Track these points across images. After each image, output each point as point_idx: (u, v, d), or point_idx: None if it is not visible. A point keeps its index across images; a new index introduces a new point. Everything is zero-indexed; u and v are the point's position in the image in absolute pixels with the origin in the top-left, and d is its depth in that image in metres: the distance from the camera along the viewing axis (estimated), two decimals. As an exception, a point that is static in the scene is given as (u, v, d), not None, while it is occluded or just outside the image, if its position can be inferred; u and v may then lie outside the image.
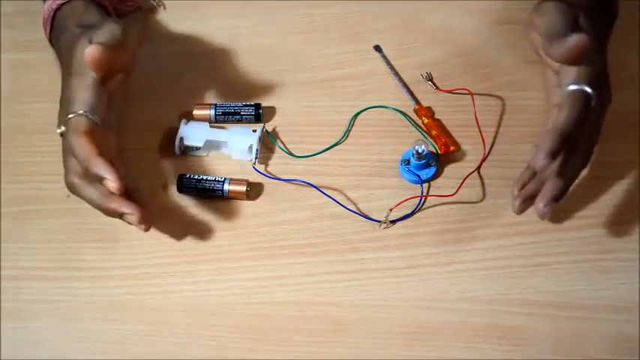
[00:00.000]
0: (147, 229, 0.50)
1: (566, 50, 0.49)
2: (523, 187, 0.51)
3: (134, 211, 0.49)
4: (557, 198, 0.49)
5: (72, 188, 0.51)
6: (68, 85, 0.51)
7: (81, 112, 0.49)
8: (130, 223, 0.50)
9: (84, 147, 0.48)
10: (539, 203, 0.49)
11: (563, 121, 0.48)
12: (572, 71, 0.50)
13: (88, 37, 0.51)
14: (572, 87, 0.49)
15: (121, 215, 0.50)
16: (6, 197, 0.57)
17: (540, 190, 0.50)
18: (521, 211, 0.51)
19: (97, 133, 0.49)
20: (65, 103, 0.51)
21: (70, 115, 0.49)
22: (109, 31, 0.51)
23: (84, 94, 0.50)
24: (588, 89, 0.49)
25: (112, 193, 0.48)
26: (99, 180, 0.48)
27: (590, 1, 0.53)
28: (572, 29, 0.49)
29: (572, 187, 0.51)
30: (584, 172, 0.55)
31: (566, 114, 0.48)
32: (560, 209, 0.54)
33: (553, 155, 0.47)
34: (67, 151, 0.50)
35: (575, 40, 0.48)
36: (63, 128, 0.50)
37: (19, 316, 0.53)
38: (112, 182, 0.47)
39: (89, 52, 0.48)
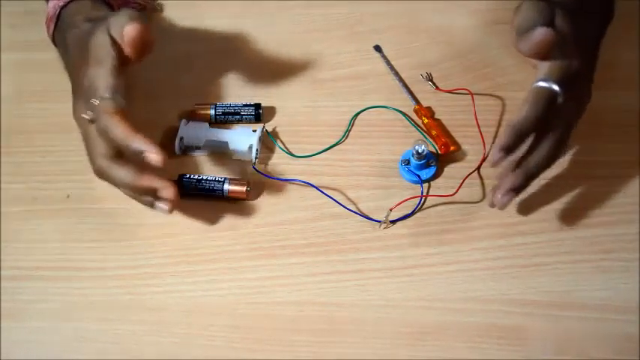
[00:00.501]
0: (171, 210, 0.51)
1: (531, 44, 0.49)
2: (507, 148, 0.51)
3: (167, 185, 0.50)
4: (515, 189, 0.50)
5: (101, 173, 0.51)
6: (87, 75, 0.51)
7: (107, 95, 0.49)
8: (159, 204, 0.51)
9: (119, 126, 0.48)
10: (498, 193, 0.50)
11: (521, 117, 0.48)
12: (543, 67, 0.50)
13: (105, 26, 0.51)
14: (539, 83, 0.49)
15: (154, 192, 0.50)
16: (6, 197, 0.57)
17: (527, 181, 0.50)
18: (490, 202, 0.52)
19: (127, 114, 0.49)
20: (86, 93, 0.51)
21: (98, 100, 0.49)
22: (127, 15, 0.51)
23: (107, 79, 0.50)
24: (555, 86, 0.49)
25: (142, 172, 0.49)
26: (137, 156, 0.48)
27: (575, 1, 0.53)
28: (543, 25, 0.49)
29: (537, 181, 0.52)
30: (586, 172, 0.55)
31: (525, 110, 0.48)
32: (560, 209, 0.55)
33: (507, 150, 0.48)
34: (95, 136, 0.50)
35: (539, 33, 0.48)
36: (91, 114, 0.50)
37: (19, 316, 0.53)
38: (154, 154, 0.47)
39: (129, 30, 0.49)
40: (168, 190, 0.50)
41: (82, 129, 0.52)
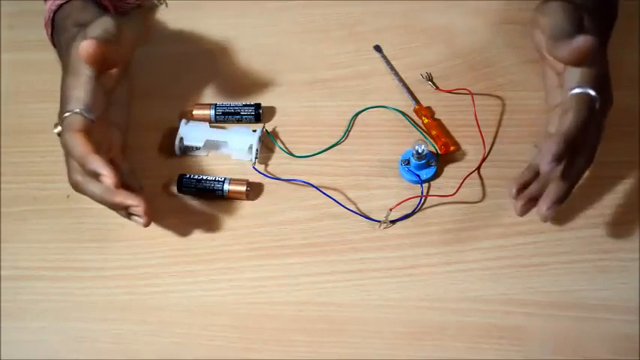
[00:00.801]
0: (147, 224, 0.50)
1: (572, 51, 0.48)
2: (523, 187, 0.51)
3: (139, 203, 0.49)
4: (560, 201, 0.49)
5: (75, 186, 0.51)
6: (65, 84, 0.51)
7: (76, 110, 0.49)
8: (128, 216, 0.51)
9: (78, 145, 0.48)
10: (543, 206, 0.49)
11: (569, 125, 0.47)
12: (576, 73, 0.49)
13: (83, 34, 0.51)
14: (577, 90, 0.48)
15: (126, 209, 0.50)
16: (6, 197, 0.57)
17: (543, 192, 0.50)
18: (523, 212, 0.51)
19: (94, 130, 0.49)
20: (62, 103, 0.51)
21: (66, 114, 0.49)
22: (101, 25, 0.51)
23: (79, 92, 0.50)
24: (592, 92, 0.48)
25: (116, 188, 0.49)
26: (96, 177, 0.48)
27: (594, 1, 0.53)
28: (577, 30, 0.49)
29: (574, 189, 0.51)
30: (588, 172, 0.55)
31: (571, 118, 0.48)
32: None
33: (559, 159, 0.46)
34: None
35: (582, 41, 0.47)
36: (59, 128, 0.50)
37: (19, 316, 0.53)
38: (107, 178, 0.47)
39: (83, 46, 0.48)
40: (139, 209, 0.50)
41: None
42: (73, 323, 0.52)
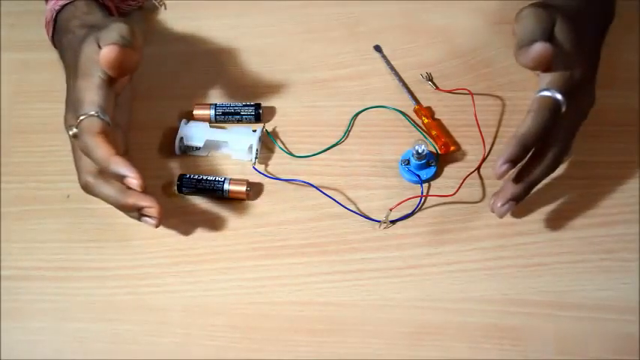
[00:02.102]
0: (158, 225, 0.51)
1: (529, 59, 0.48)
2: (513, 159, 0.50)
3: (153, 204, 0.49)
4: (515, 199, 0.50)
5: (87, 188, 0.51)
6: (75, 87, 0.50)
7: (92, 112, 0.49)
8: (145, 218, 0.51)
9: (100, 147, 0.48)
10: (497, 202, 0.51)
11: (527, 129, 0.48)
12: (545, 76, 0.49)
13: (95, 37, 0.51)
14: (542, 93, 0.49)
15: (139, 210, 0.50)
16: (6, 197, 0.57)
17: (528, 192, 0.50)
18: (501, 175, 0.50)
19: (110, 133, 0.49)
20: (73, 105, 0.50)
21: (82, 117, 0.49)
22: (117, 30, 0.50)
23: (93, 95, 0.49)
24: (558, 95, 0.48)
25: (129, 189, 0.49)
26: (118, 178, 0.48)
27: (578, 4, 0.52)
28: (543, 37, 0.49)
29: (536, 189, 0.52)
30: (586, 172, 0.55)
31: (530, 121, 0.48)
32: (560, 209, 0.55)
33: (513, 162, 0.47)
34: (80, 152, 0.50)
35: (537, 49, 0.47)
36: (75, 130, 0.49)
37: (19, 316, 0.53)
38: (134, 179, 0.47)
39: (105, 53, 0.48)
40: (153, 210, 0.50)
41: (71, 141, 0.52)
42: (73, 323, 0.52)
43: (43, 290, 0.53)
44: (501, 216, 0.51)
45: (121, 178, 0.48)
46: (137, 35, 0.52)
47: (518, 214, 0.54)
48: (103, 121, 0.49)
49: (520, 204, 0.51)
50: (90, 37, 0.51)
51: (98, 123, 0.48)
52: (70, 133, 0.50)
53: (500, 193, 0.51)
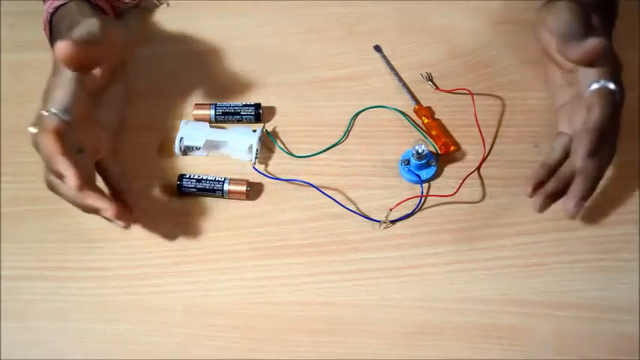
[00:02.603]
0: (126, 227, 0.50)
1: (583, 53, 0.48)
2: (539, 185, 0.51)
3: (109, 207, 0.49)
4: (587, 196, 0.49)
5: (50, 187, 0.51)
6: (47, 85, 0.51)
7: (53, 110, 0.48)
8: (108, 219, 0.50)
9: (47, 145, 0.47)
10: (570, 203, 0.49)
11: (597, 119, 0.47)
12: (592, 70, 0.49)
13: (70, 35, 0.51)
14: (596, 85, 0.49)
15: (97, 212, 0.50)
16: (6, 197, 0.57)
17: (562, 188, 0.50)
18: (542, 209, 0.50)
19: (71, 132, 0.49)
20: (42, 103, 0.50)
21: (42, 114, 0.49)
22: (85, 26, 0.51)
23: (57, 93, 0.49)
24: (612, 85, 0.49)
25: (88, 190, 0.48)
26: (60, 177, 0.47)
27: (595, 1, 0.53)
28: (586, 30, 0.49)
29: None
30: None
31: (598, 112, 0.48)
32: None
33: (594, 153, 0.47)
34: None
35: (592, 43, 0.48)
36: (34, 128, 0.49)
37: (19, 316, 0.53)
38: (70, 179, 0.46)
39: (58, 47, 0.48)
40: (109, 212, 0.49)
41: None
42: (73, 323, 0.52)
43: (43, 290, 0.53)
44: (574, 216, 0.49)
45: (61, 178, 0.47)
46: (111, 31, 0.52)
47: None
48: (61, 119, 0.48)
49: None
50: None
51: (54, 121, 0.48)
52: (30, 129, 0.49)
53: (570, 193, 0.49)
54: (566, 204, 0.49)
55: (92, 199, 0.49)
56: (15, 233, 0.56)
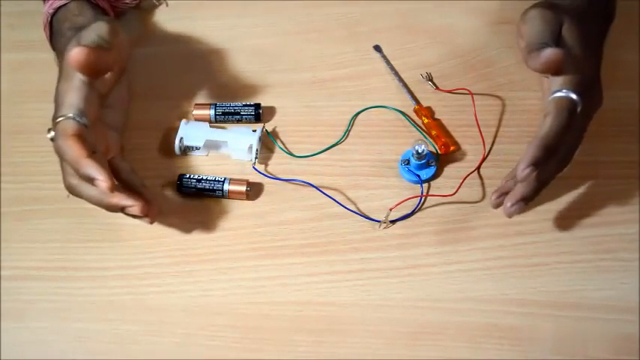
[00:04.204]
0: (151, 222, 0.51)
1: (540, 64, 0.48)
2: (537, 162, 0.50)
3: (135, 203, 0.49)
4: (526, 199, 0.50)
5: (71, 190, 0.51)
6: (58, 89, 0.51)
7: (69, 115, 0.48)
8: (134, 216, 0.51)
9: (72, 150, 0.47)
10: (507, 202, 0.50)
11: (548, 131, 0.48)
12: (557, 78, 0.49)
13: (77, 39, 0.51)
14: (557, 94, 0.49)
15: (123, 209, 0.50)
16: (6, 197, 0.57)
17: (538, 193, 0.50)
18: (496, 206, 0.52)
19: (89, 134, 0.49)
20: (55, 108, 0.51)
21: (59, 119, 0.49)
22: (95, 30, 0.51)
23: (71, 97, 0.49)
24: (573, 95, 0.48)
25: (111, 191, 0.49)
26: (89, 181, 0.48)
27: (580, 4, 0.53)
28: (552, 40, 0.49)
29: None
30: (586, 172, 0.55)
31: (550, 122, 0.48)
32: (560, 209, 0.55)
33: (536, 165, 0.47)
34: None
35: (548, 54, 0.47)
36: (52, 133, 0.49)
37: (19, 316, 0.53)
38: (102, 182, 0.47)
39: (72, 55, 0.48)
40: (135, 209, 0.49)
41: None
42: (73, 323, 0.52)
43: (43, 290, 0.53)
44: (511, 216, 0.50)
45: (90, 181, 0.48)
46: (119, 34, 0.52)
47: (495, 206, 0.54)
48: (79, 123, 0.48)
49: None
50: (73, 39, 0.51)
51: (73, 125, 0.48)
52: (48, 136, 0.50)
53: (511, 193, 0.50)
54: (506, 202, 0.50)
55: (118, 198, 0.49)
56: (15, 233, 0.56)
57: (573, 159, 0.51)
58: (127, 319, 0.52)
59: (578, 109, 0.48)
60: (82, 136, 0.48)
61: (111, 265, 0.54)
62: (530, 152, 0.47)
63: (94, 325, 0.52)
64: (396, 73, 0.61)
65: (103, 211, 0.54)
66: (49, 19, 0.57)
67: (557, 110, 0.48)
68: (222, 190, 0.55)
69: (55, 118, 0.49)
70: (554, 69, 0.48)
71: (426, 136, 0.58)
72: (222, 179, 0.56)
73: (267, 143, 0.59)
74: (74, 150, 0.47)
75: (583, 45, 0.50)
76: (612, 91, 0.55)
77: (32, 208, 0.57)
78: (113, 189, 0.47)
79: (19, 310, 0.53)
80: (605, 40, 0.55)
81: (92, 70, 0.49)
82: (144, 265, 0.54)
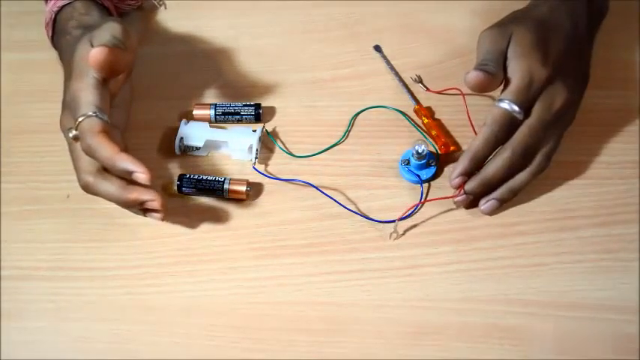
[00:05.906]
0: (163, 218, 0.51)
1: (468, 86, 0.51)
2: (465, 172, 0.53)
3: (155, 197, 0.50)
4: (500, 201, 0.53)
5: (87, 188, 0.51)
6: (70, 88, 0.50)
7: (90, 113, 0.49)
8: (144, 212, 0.51)
9: (104, 146, 0.48)
10: (482, 200, 0.53)
11: (478, 143, 0.51)
12: (505, 89, 0.52)
13: (89, 37, 0.51)
14: (497, 104, 0.51)
15: (141, 205, 0.50)
16: (6, 197, 0.57)
17: (481, 187, 0.53)
18: (456, 186, 0.53)
19: (110, 131, 0.49)
20: (70, 106, 0.50)
21: (81, 118, 0.49)
22: (110, 30, 0.51)
23: (88, 95, 0.49)
24: (511, 106, 0.51)
25: (129, 184, 0.49)
26: (125, 175, 0.48)
27: (543, 11, 0.54)
28: (495, 58, 0.51)
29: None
30: (586, 172, 0.55)
31: (481, 135, 0.51)
32: (560, 209, 0.55)
33: (467, 175, 0.52)
34: (80, 153, 0.50)
35: (469, 77, 0.51)
36: (75, 132, 0.49)
37: (19, 316, 0.53)
38: (142, 174, 0.48)
39: (94, 54, 0.48)
40: (155, 203, 0.50)
41: (68, 142, 0.52)
42: (72, 323, 0.52)
43: (43, 290, 0.53)
44: (490, 214, 0.54)
45: (127, 174, 0.48)
46: (131, 35, 0.52)
47: (518, 213, 0.54)
48: (102, 120, 0.49)
49: (522, 199, 0.53)
50: (84, 37, 0.51)
51: (98, 122, 0.48)
52: (71, 135, 0.50)
53: (488, 197, 0.53)
54: (480, 204, 0.54)
55: (138, 193, 0.49)
56: (15, 233, 0.56)
57: (569, 160, 0.52)
58: (126, 319, 0.52)
59: (519, 118, 0.51)
60: (109, 132, 0.49)
61: (111, 265, 0.54)
62: (459, 163, 0.52)
63: (93, 325, 0.52)
64: (396, 73, 0.61)
65: (103, 211, 0.55)
66: (52, 16, 0.57)
67: (490, 121, 0.51)
68: (222, 190, 0.55)
69: (74, 117, 0.49)
70: (484, 89, 0.51)
71: (426, 136, 0.58)
72: (222, 179, 0.56)
73: (267, 143, 0.59)
74: (106, 146, 0.48)
75: (534, 51, 0.51)
76: (612, 91, 0.55)
77: (32, 208, 0.57)
78: (152, 180, 0.48)
79: (19, 310, 0.53)
80: (595, 34, 0.55)
81: (111, 70, 0.49)
82: (144, 265, 0.54)
